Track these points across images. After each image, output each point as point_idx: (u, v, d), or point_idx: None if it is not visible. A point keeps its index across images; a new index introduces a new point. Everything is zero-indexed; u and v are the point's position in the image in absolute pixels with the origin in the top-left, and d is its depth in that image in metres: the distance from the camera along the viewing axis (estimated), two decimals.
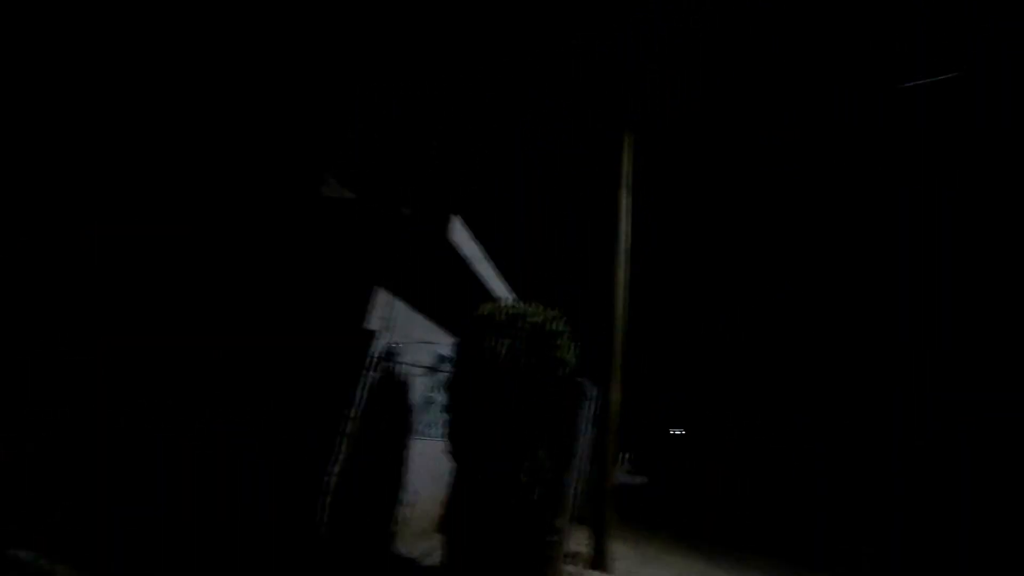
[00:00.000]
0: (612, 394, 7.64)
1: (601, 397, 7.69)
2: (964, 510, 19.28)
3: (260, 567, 4.55)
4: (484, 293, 7.37)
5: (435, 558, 5.82)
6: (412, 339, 6.14)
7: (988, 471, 20.30)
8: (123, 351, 5.35)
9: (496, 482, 4.99)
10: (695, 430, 41.17)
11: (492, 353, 5.20)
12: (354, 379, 5.17)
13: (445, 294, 6.48)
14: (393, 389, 5.94)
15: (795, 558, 13.92)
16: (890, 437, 27.37)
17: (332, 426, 4.99)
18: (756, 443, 34.88)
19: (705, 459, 37.58)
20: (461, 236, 5.64)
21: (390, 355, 5.69)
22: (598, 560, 7.03)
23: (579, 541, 7.62)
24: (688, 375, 38.14)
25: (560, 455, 4.69)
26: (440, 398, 6.61)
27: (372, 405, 5.48)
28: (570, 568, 6.73)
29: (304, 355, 5.13)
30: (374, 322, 5.37)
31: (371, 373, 5.31)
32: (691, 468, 38.09)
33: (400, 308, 5.94)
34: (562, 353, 5.27)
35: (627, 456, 58.22)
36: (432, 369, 6.42)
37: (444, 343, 6.66)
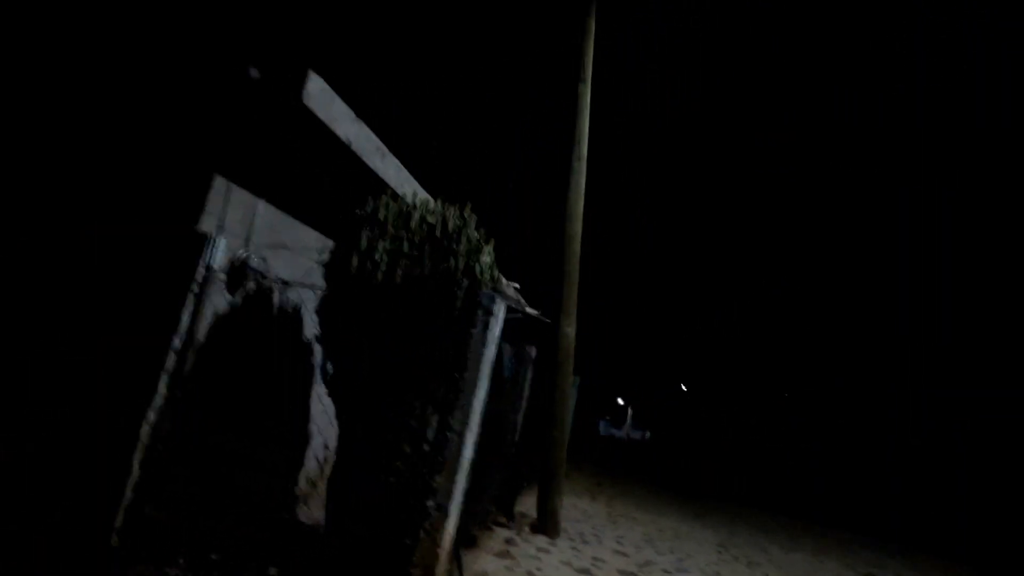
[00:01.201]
0: (564, 327, 6.32)
1: (551, 333, 6.37)
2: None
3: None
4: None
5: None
6: (293, 251, 4.77)
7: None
8: None
9: (365, 437, 3.71)
10: (701, 386, 40.46)
11: (363, 266, 3.83)
12: (179, 298, 3.83)
13: (337, 196, 5.08)
14: (270, 317, 4.62)
15: (788, 513, 12.97)
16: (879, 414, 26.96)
17: (148, 362, 3.69)
18: (758, 403, 34.08)
19: (708, 415, 36.92)
20: (331, 108, 4.20)
21: (248, 269, 4.33)
22: (542, 523, 5.87)
23: (530, 504, 6.48)
24: (698, 333, 37.07)
25: (449, 401, 3.39)
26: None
27: (221, 335, 4.16)
28: (506, 534, 5.58)
29: (101, 261, 3.77)
30: (209, 222, 3.98)
31: (210, 290, 3.96)
32: (694, 423, 37.50)
33: (266, 212, 4.55)
34: (463, 261, 3.90)
35: (630, 411, 58.08)
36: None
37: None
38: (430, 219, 4.15)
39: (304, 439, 5.16)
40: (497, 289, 4.30)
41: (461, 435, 3.34)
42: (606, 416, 46.95)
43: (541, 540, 5.70)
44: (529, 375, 6.52)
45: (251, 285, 4.46)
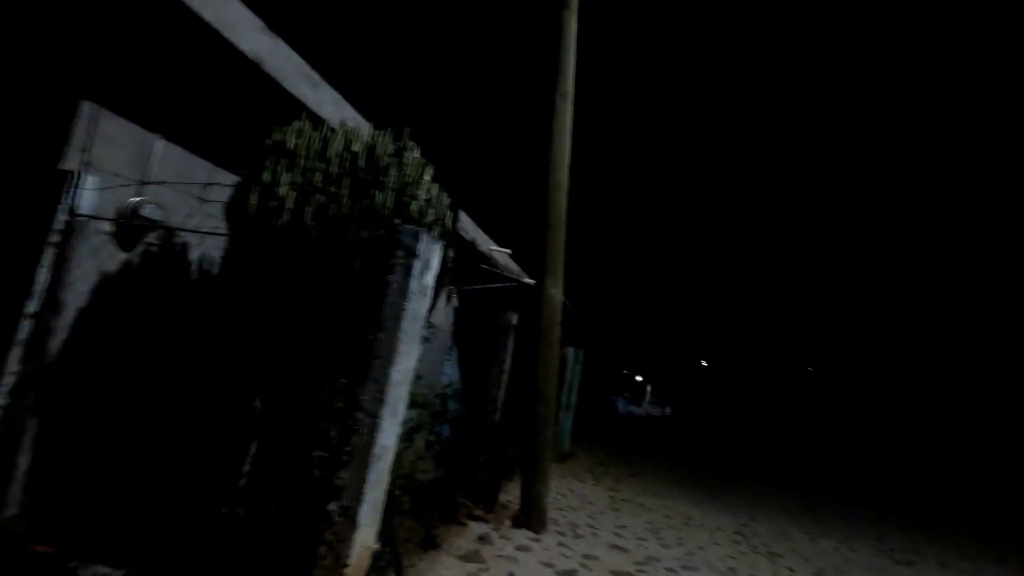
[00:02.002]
0: (548, 288, 5.43)
1: (535, 296, 5.48)
2: None
3: None
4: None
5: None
6: (207, 199, 3.95)
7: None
8: None
9: (275, 423, 2.91)
10: (721, 361, 39.36)
11: (264, 205, 3.00)
12: (34, 253, 3.04)
13: (261, 135, 4.22)
14: (173, 277, 3.81)
15: (812, 491, 12.05)
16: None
17: None
18: (780, 377, 32.91)
19: (728, 390, 35.89)
20: (223, 11, 3.32)
21: (143, 219, 3.51)
22: (524, 515, 5.06)
23: (516, 493, 5.67)
24: (719, 307, 35.89)
25: (359, 371, 2.55)
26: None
27: (110, 298, 3.36)
28: (481, 529, 4.78)
29: None
30: (75, 159, 3.16)
31: (80, 242, 3.16)
32: (714, 399, 36.52)
33: (168, 152, 3.71)
34: (393, 197, 3.03)
35: (648, 388, 57.28)
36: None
37: None
38: (355, 147, 3.27)
39: (209, 427, 4.38)
40: (448, 233, 3.43)
41: (375, 416, 2.51)
42: (625, 393, 46.61)
43: (522, 536, 4.90)
44: (510, 344, 5.67)
45: (151, 239, 3.65)
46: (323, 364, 2.78)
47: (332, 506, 2.39)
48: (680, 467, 12.05)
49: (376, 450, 2.50)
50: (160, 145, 3.76)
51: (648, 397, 56.58)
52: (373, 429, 2.50)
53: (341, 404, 2.58)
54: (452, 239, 3.91)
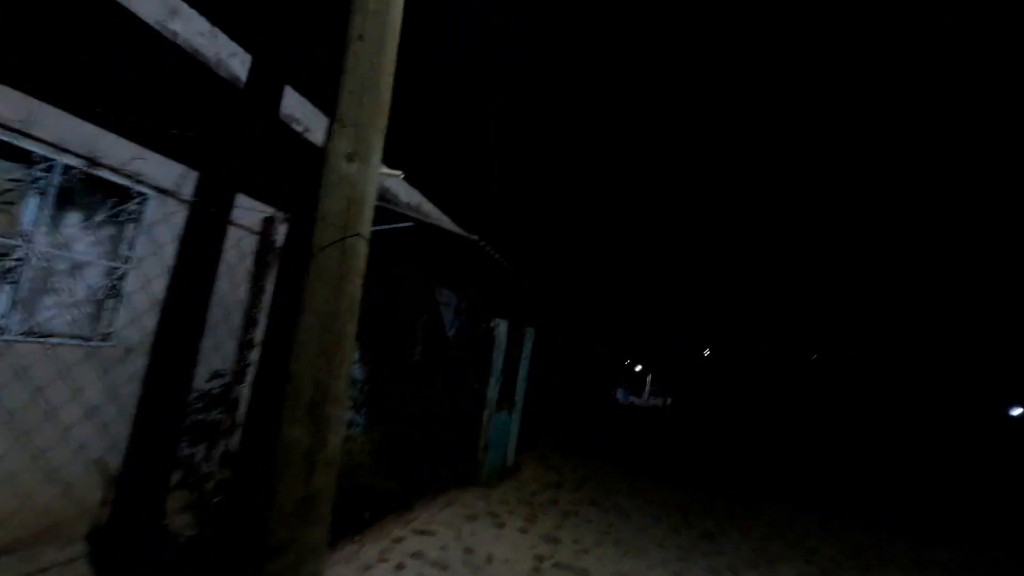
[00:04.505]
0: (332, 157, 2.46)
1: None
2: None
3: None
4: None
5: None
6: None
7: None
8: None
9: None
10: (724, 349, 36.61)
11: None
12: None
13: None
14: None
15: (831, 505, 9.02)
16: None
17: None
18: (783, 367, 30.14)
19: (730, 381, 33.09)
20: None
21: None
22: None
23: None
24: (720, 293, 33.13)
25: None
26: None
27: None
28: None
29: None
30: None
31: None
32: (716, 390, 33.76)
33: None
34: None
35: (648, 378, 54.67)
36: None
37: None
38: None
39: None
40: None
41: None
42: (624, 383, 44.70)
43: None
44: (270, 286, 2.79)
45: None
46: None
47: None
48: (672, 483, 9.08)
49: None
50: None
51: (648, 387, 54.24)
52: None
53: None
54: None
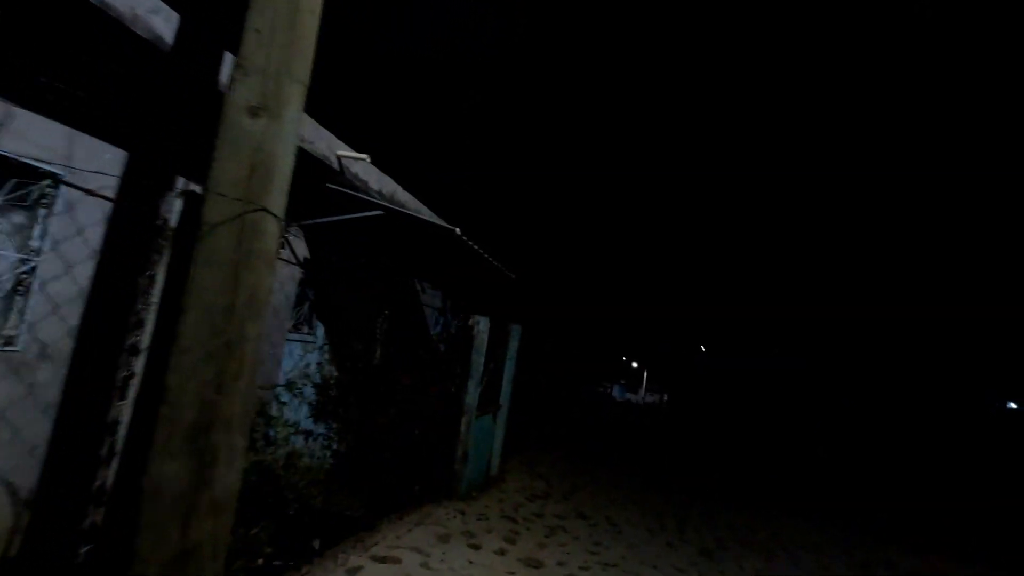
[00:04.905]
0: (231, 113, 1.92)
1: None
2: None
3: None
4: None
5: None
6: None
7: None
8: None
9: None
10: (721, 345, 36.21)
11: None
12: None
13: None
14: None
15: (841, 517, 8.51)
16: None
17: None
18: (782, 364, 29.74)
19: (729, 376, 32.70)
20: None
21: None
22: None
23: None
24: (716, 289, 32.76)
25: None
26: None
27: None
28: None
29: None
30: None
31: None
32: (713, 386, 33.34)
33: None
34: None
35: (645, 374, 54.33)
36: None
37: None
38: None
39: None
40: None
41: None
42: (621, 381, 44.58)
43: None
44: (161, 272, 2.24)
45: None
46: None
47: None
48: (667, 489, 8.57)
49: None
50: None
51: (645, 384, 53.99)
52: None
53: None
54: None
